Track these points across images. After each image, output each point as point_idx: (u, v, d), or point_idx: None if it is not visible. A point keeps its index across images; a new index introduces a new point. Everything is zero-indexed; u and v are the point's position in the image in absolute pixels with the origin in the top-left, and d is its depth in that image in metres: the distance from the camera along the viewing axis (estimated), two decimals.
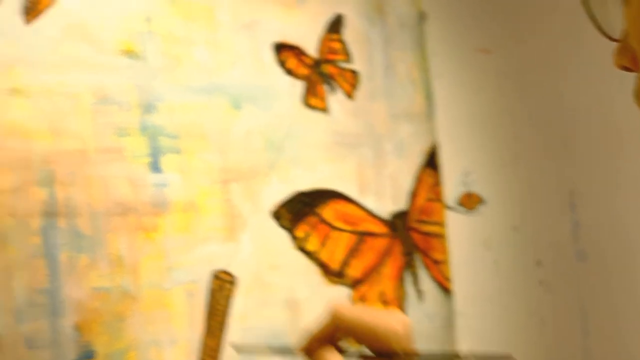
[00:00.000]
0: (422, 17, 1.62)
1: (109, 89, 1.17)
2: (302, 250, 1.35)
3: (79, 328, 1.10)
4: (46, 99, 1.11)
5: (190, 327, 1.21)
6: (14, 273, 1.05)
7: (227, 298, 1.26)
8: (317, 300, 1.28)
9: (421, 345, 1.29)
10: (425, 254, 1.53)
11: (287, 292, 1.32)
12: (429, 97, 1.61)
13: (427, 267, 1.53)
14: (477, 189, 1.65)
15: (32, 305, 1.06)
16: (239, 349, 1.18)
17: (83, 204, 1.13)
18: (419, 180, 1.55)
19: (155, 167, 1.20)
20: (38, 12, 1.11)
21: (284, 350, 0.95)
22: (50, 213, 1.09)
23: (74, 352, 1.09)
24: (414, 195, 1.54)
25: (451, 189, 1.62)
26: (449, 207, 1.59)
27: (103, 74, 1.17)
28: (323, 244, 1.37)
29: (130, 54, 1.20)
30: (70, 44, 1.15)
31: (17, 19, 1.10)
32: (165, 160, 1.22)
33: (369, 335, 0.83)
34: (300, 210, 1.34)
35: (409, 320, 0.83)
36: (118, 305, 1.14)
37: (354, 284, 1.42)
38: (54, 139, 1.11)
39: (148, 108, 1.21)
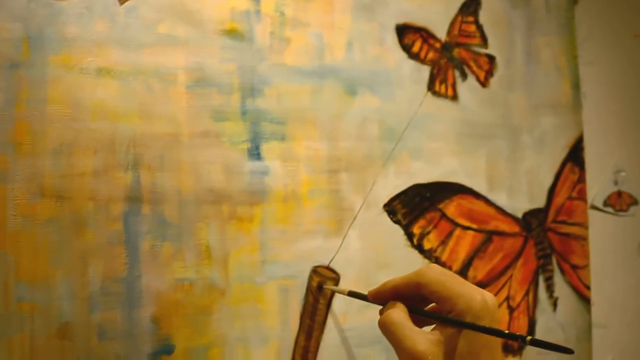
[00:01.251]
0: None
1: (208, 71, 1.06)
2: (418, 248, 1.14)
3: (157, 320, 0.99)
4: (137, 80, 1.01)
5: (283, 326, 1.08)
6: (90, 259, 0.96)
7: (328, 296, 1.11)
8: None
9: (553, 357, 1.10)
10: (562, 257, 1.30)
11: None
12: (576, 86, 1.37)
13: (564, 272, 1.30)
14: (629, 188, 1.38)
15: (107, 294, 0.96)
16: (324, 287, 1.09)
17: (171, 190, 1.02)
18: (560, 177, 1.29)
19: (254, 153, 1.08)
20: None
21: (361, 296, 0.92)
22: (134, 198, 0.99)
23: (151, 345, 0.98)
24: (553, 192, 1.28)
25: (597, 188, 1.34)
26: (593, 207, 1.32)
27: (201, 55, 1.06)
28: (443, 242, 1.18)
29: (233, 34, 1.08)
30: (166, 23, 1.04)
31: None
32: (267, 147, 1.09)
33: (447, 300, 0.78)
34: (418, 204, 1.16)
35: (494, 300, 0.78)
36: (203, 299, 1.03)
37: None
38: (143, 121, 1.01)
39: (251, 91, 1.08)
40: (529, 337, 0.71)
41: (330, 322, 1.11)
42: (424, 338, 0.77)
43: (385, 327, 0.82)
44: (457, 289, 0.78)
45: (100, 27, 0.99)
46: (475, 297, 0.77)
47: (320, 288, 1.09)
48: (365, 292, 0.90)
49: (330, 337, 1.11)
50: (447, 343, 0.76)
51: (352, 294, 0.98)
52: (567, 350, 0.68)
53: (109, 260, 0.97)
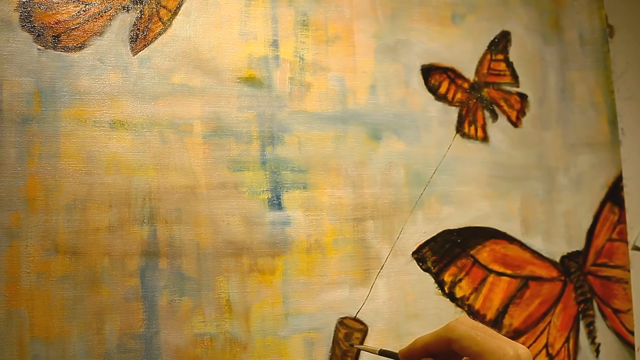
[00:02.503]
0: (608, 32, 1.26)
1: (225, 120, 1.03)
2: (450, 296, 1.08)
3: None
4: (152, 131, 0.98)
5: None
6: (107, 316, 0.93)
7: (356, 349, 1.05)
8: None
9: None
10: (604, 301, 1.22)
11: None
12: (613, 122, 1.29)
13: (606, 317, 1.22)
14: None
15: (124, 351, 0.93)
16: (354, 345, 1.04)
17: (189, 243, 0.98)
18: (599, 218, 1.22)
19: (275, 203, 1.04)
20: (146, 41, 1.00)
21: (391, 354, 0.86)
22: (151, 253, 0.96)
23: None
24: (593, 234, 1.20)
25: (639, 228, 1.26)
26: (635, 248, 1.23)
27: (218, 104, 1.03)
28: (476, 289, 1.11)
29: (251, 81, 1.05)
30: (181, 73, 1.01)
31: (123, 48, 0.99)
32: (288, 196, 1.05)
33: (479, 356, 0.74)
34: (448, 251, 1.10)
35: (528, 355, 0.73)
36: (224, 354, 0.98)
37: (514, 335, 1.14)
38: (159, 173, 0.98)
39: (271, 139, 1.05)
40: None
41: None
42: None
43: None
44: (488, 344, 0.74)
45: (113, 79, 0.97)
46: (507, 353, 0.73)
47: (348, 338, 1.03)
48: (396, 348, 0.85)
49: None
50: None
51: (383, 352, 0.91)
52: None
53: (125, 316, 0.93)
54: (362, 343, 1.05)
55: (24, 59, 0.94)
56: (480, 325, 0.78)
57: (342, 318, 1.05)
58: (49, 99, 0.94)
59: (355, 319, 1.06)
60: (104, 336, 0.92)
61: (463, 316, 0.82)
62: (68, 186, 0.93)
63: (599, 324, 1.24)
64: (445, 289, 1.12)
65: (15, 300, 0.89)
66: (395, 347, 0.94)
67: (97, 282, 0.93)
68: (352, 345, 1.05)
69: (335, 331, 1.05)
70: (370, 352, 0.95)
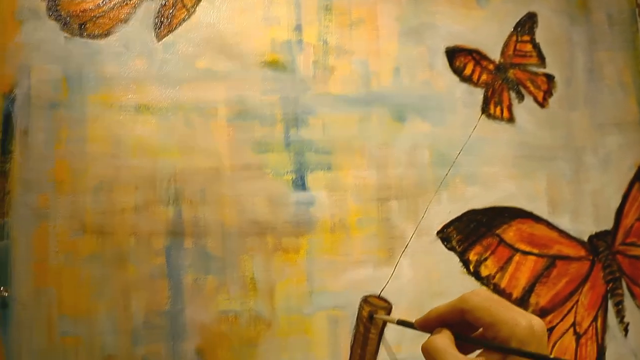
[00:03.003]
0: (637, 12, 1.21)
1: (249, 104, 1.02)
2: (475, 275, 1.05)
3: (201, 353, 0.95)
4: (177, 115, 0.98)
5: (332, 356, 1.01)
6: (133, 294, 0.93)
7: (380, 326, 1.03)
8: None
9: None
10: (633, 281, 1.17)
11: None
12: None
13: (635, 297, 1.18)
14: None
15: (150, 328, 0.93)
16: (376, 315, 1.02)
17: (214, 223, 0.98)
18: (628, 198, 1.17)
19: (299, 184, 1.02)
20: (171, 27, 1.01)
21: (409, 324, 0.84)
22: (176, 233, 0.96)
23: None
24: (622, 214, 1.16)
25: None
26: None
27: (242, 88, 1.02)
28: (502, 268, 1.08)
29: (275, 65, 1.04)
30: (205, 58, 1.01)
31: (148, 35, 0.99)
32: (313, 177, 1.03)
33: (491, 326, 0.72)
34: (474, 230, 1.07)
35: (542, 326, 0.72)
36: (249, 330, 0.97)
37: (540, 314, 1.11)
38: (184, 156, 0.97)
39: (295, 122, 1.04)
40: None
41: (382, 352, 1.03)
42: None
43: (428, 354, 0.76)
44: (501, 315, 0.72)
45: (138, 65, 0.97)
46: (519, 323, 0.71)
47: (372, 317, 1.00)
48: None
49: None
50: None
51: (401, 322, 0.90)
52: None
53: (151, 294, 0.93)
54: (385, 321, 1.01)
55: (52, 47, 0.95)
56: (495, 296, 0.76)
57: (366, 296, 1.04)
58: (75, 85, 0.94)
59: (379, 297, 1.04)
60: (130, 313, 0.92)
61: (479, 288, 0.80)
62: (95, 169, 0.93)
63: (628, 303, 1.20)
64: (471, 267, 1.10)
65: (44, 279, 0.90)
66: None
67: (123, 261, 0.93)
68: (372, 315, 1.03)
69: (359, 309, 1.03)
70: (389, 322, 0.97)
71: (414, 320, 0.84)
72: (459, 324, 0.78)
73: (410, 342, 1.04)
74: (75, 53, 0.95)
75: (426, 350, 0.76)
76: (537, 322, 0.72)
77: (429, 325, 0.81)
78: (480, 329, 0.76)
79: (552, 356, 0.69)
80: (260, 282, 0.98)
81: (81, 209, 0.92)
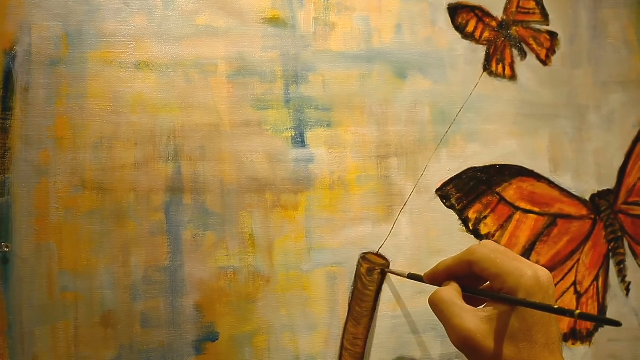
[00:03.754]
0: None
1: (249, 60, 1.02)
2: (474, 232, 1.07)
3: (200, 308, 0.96)
4: (177, 72, 0.98)
5: (331, 313, 1.02)
6: (132, 249, 0.94)
7: (377, 283, 1.04)
8: None
9: (626, 347, 1.15)
10: (635, 240, 1.17)
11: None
12: None
13: (637, 256, 1.19)
14: None
15: (149, 283, 0.94)
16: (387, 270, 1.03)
17: (213, 180, 0.98)
18: (631, 156, 1.17)
19: (299, 141, 1.03)
20: None
21: (418, 278, 0.91)
22: (175, 189, 0.96)
23: (195, 332, 0.95)
24: (624, 173, 1.16)
25: None
26: None
27: (242, 45, 1.02)
28: (502, 226, 1.09)
29: (275, 22, 1.04)
30: (205, 14, 1.01)
31: None
32: (312, 134, 1.03)
33: (497, 277, 0.75)
34: (473, 188, 1.08)
35: (548, 276, 0.74)
36: (248, 286, 0.98)
37: None
38: (183, 112, 0.98)
39: (295, 79, 1.03)
40: (577, 312, 0.67)
41: (380, 308, 1.04)
42: (473, 316, 0.75)
43: (435, 305, 0.79)
44: (507, 266, 0.75)
45: (138, 21, 0.97)
46: (525, 274, 0.73)
47: (370, 273, 1.03)
48: (419, 283, 0.90)
49: (380, 324, 1.04)
50: (498, 320, 0.73)
51: (411, 276, 0.95)
52: (614, 323, 0.64)
53: (151, 250, 0.94)
54: (383, 278, 1.03)
55: (52, 4, 0.95)
56: (502, 248, 0.79)
57: (364, 253, 1.04)
58: (76, 42, 0.95)
59: (377, 254, 1.04)
60: (129, 269, 0.93)
61: (487, 240, 0.85)
62: (95, 125, 0.94)
63: (630, 262, 1.20)
64: (470, 225, 1.10)
65: (45, 234, 0.91)
66: (417, 283, 0.92)
67: (123, 217, 0.94)
68: (383, 269, 1.04)
69: (357, 266, 1.03)
70: (399, 276, 0.98)
71: (423, 274, 0.87)
72: (468, 277, 0.80)
73: (408, 299, 1.05)
74: (75, 10, 0.95)
75: (432, 302, 0.79)
76: (544, 273, 0.74)
77: (437, 278, 0.84)
78: (489, 283, 0.78)
79: (556, 306, 0.70)
80: (259, 238, 0.99)
81: (81, 165, 0.92)
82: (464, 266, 0.80)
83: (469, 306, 0.77)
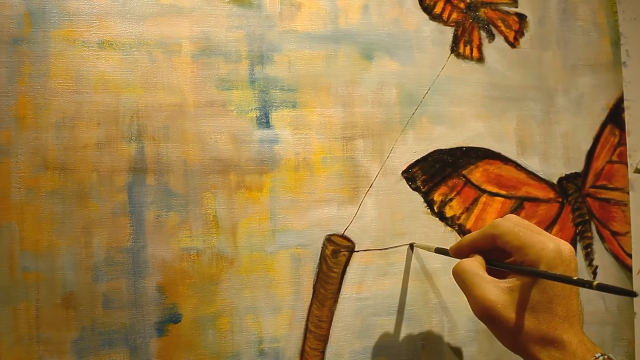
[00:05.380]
0: None
1: (214, 40, 1.01)
2: (439, 215, 1.06)
3: (163, 289, 0.96)
4: (140, 51, 0.97)
5: (295, 295, 1.03)
6: (95, 230, 0.94)
7: (342, 265, 1.04)
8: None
9: (593, 330, 1.15)
10: (602, 224, 1.18)
11: (415, 261, 1.06)
12: (616, 44, 1.25)
13: (604, 240, 1.18)
14: None
15: (111, 264, 0.94)
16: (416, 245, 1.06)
17: (176, 160, 0.98)
18: (600, 140, 1.17)
19: (263, 122, 1.02)
20: None
21: (444, 252, 0.93)
22: (138, 169, 0.96)
23: (157, 314, 0.96)
24: (592, 156, 1.16)
25: None
26: (637, 171, 1.17)
27: (207, 24, 1.01)
28: (468, 209, 1.10)
29: (241, 2, 1.03)
30: None
31: None
32: (277, 115, 1.03)
33: (519, 250, 0.77)
34: (439, 170, 1.08)
35: (570, 250, 0.77)
36: (211, 268, 0.99)
37: None
38: (147, 92, 0.97)
39: (260, 59, 1.03)
40: (595, 282, 0.69)
41: (344, 290, 1.04)
42: (495, 287, 0.77)
43: (457, 276, 0.82)
44: (529, 239, 0.77)
45: (102, 0, 0.96)
46: (547, 246, 0.76)
47: (335, 254, 1.03)
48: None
49: (344, 306, 1.05)
50: (520, 292, 0.75)
51: (438, 250, 0.97)
52: (631, 293, 0.66)
53: (113, 230, 0.94)
54: (348, 260, 1.04)
55: None
56: (526, 222, 0.82)
57: (329, 235, 1.04)
58: (38, 20, 0.94)
59: (342, 236, 1.05)
60: (91, 249, 0.93)
61: (511, 214, 0.86)
62: (57, 104, 0.93)
63: (597, 246, 1.21)
64: (435, 208, 1.11)
65: (6, 214, 0.90)
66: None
67: (85, 197, 0.93)
68: (412, 244, 1.06)
69: (322, 248, 1.04)
70: (428, 250, 1.00)
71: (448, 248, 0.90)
72: (492, 250, 0.82)
73: (372, 282, 1.05)
74: None
75: (456, 273, 0.82)
76: (566, 247, 0.78)
77: (462, 252, 0.86)
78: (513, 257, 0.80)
79: (575, 277, 0.72)
80: (222, 219, 0.99)
81: (43, 145, 0.92)
82: (488, 239, 0.82)
83: (490, 277, 0.79)
